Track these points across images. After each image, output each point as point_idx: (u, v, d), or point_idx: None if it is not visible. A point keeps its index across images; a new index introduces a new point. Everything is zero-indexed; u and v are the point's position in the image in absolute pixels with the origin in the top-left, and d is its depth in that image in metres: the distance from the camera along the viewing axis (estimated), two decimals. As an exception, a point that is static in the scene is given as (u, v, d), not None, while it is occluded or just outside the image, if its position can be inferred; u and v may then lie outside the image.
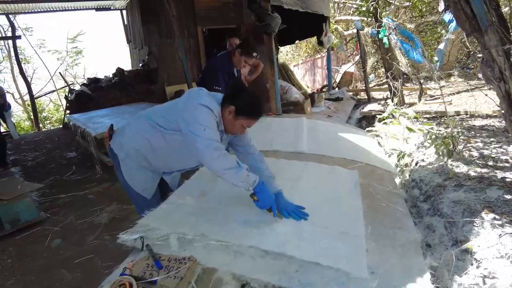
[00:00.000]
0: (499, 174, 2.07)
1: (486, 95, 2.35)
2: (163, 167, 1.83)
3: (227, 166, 1.51)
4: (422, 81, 6.06)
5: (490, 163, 2.32)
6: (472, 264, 1.49)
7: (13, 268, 2.54)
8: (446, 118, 3.91)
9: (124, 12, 9.47)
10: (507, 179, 1.99)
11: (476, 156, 2.50)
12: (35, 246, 2.81)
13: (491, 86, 1.64)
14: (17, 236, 2.95)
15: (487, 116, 3.96)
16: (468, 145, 2.77)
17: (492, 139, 2.87)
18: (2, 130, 6.61)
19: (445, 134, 2.71)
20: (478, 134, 3.11)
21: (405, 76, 6.52)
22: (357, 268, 1.29)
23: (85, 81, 8.58)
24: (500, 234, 1.48)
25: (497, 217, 1.60)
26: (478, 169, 2.21)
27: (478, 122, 3.71)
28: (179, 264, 1.26)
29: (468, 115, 4.19)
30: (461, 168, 2.28)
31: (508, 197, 1.77)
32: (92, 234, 2.92)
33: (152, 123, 1.69)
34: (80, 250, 2.69)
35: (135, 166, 1.77)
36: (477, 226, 1.60)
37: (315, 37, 7.43)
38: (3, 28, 13.60)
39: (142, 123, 1.73)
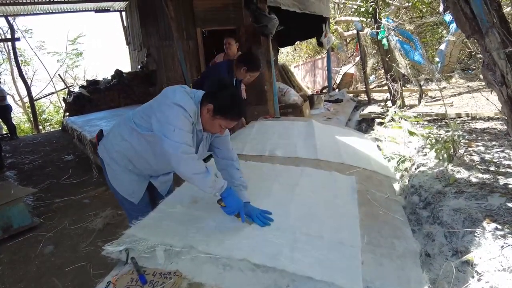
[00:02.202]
0: (501, 181, 2.01)
1: (487, 99, 2.29)
2: (147, 170, 1.77)
3: (195, 170, 1.46)
4: (422, 82, 5.99)
5: (492, 168, 2.25)
6: (473, 277, 1.42)
7: (3, 275, 2.49)
8: (447, 121, 3.84)
9: (124, 13, 9.44)
10: (510, 186, 1.92)
11: (477, 161, 2.43)
12: (27, 252, 2.76)
13: (492, 90, 1.57)
14: (9, 243, 2.90)
15: (489, 119, 3.88)
16: (469, 149, 2.70)
17: (494, 143, 2.80)
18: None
19: (445, 137, 2.64)
20: (479, 138, 3.04)
21: (405, 77, 6.46)
22: (352, 282, 1.23)
23: (84, 83, 8.55)
24: (502, 246, 1.41)
25: (499, 227, 1.54)
26: (480, 175, 2.15)
27: (479, 125, 3.64)
28: (164, 279, 1.20)
29: (470, 117, 4.12)
30: (462, 174, 2.22)
31: (510, 205, 1.71)
32: (86, 240, 2.86)
33: (132, 125, 1.63)
34: (73, 257, 2.63)
35: (120, 169, 1.73)
36: (478, 237, 1.54)
37: (315, 38, 7.37)
38: (2, 30, 13.61)
39: (123, 126, 1.69)
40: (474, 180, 2.09)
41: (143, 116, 1.60)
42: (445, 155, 2.46)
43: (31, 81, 15.20)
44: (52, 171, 4.95)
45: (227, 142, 1.78)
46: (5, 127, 8.15)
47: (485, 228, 1.56)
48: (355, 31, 9.04)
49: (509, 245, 1.40)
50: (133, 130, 1.63)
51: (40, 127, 11.34)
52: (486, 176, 2.12)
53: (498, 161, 2.37)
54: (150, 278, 1.22)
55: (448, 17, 6.90)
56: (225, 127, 1.60)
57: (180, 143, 1.42)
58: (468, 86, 5.50)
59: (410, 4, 8.74)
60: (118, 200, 1.87)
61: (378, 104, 6.75)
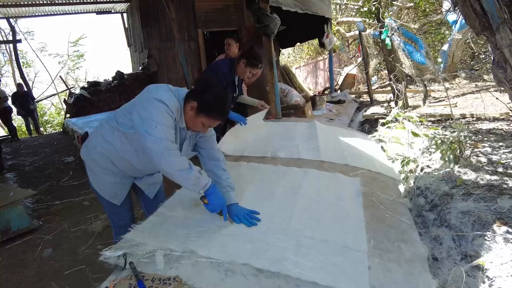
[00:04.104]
0: (510, 182, 1.95)
1: (497, 98, 2.24)
2: (130, 171, 1.72)
3: (177, 167, 1.43)
4: (426, 83, 5.94)
5: (500, 169, 2.20)
6: (484, 282, 1.37)
7: (1, 279, 2.45)
8: (451, 121, 3.78)
9: (125, 15, 9.44)
10: (519, 188, 1.87)
11: (484, 162, 2.38)
12: (26, 255, 2.72)
13: (502, 88, 1.52)
14: (7, 245, 2.86)
15: (494, 119, 3.83)
16: (476, 150, 2.65)
17: (500, 144, 2.75)
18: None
19: (451, 138, 2.59)
20: (485, 138, 2.99)
21: (408, 78, 6.41)
22: (359, 287, 1.18)
23: (85, 85, 8.55)
24: (515, 250, 1.36)
25: (510, 230, 1.49)
26: (487, 176, 2.09)
27: (485, 126, 3.58)
28: (163, 284, 1.16)
29: (474, 118, 4.07)
30: (469, 175, 2.17)
31: (521, 207, 1.66)
32: (85, 243, 2.82)
33: (114, 124, 1.59)
34: (72, 260, 2.59)
35: (102, 171, 1.68)
36: (489, 240, 1.48)
37: (317, 39, 7.33)
38: (4, 32, 13.64)
39: (105, 126, 1.65)
40: (482, 181, 2.04)
41: (125, 114, 1.56)
42: (451, 156, 2.40)
43: (33, 83, 15.26)
44: (52, 173, 4.92)
45: (213, 142, 1.75)
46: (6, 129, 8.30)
47: (496, 231, 1.51)
48: (357, 32, 8.99)
49: (521, 249, 1.35)
50: (115, 129, 1.58)
51: (42, 129, 11.33)
52: (494, 177, 2.06)
53: (506, 162, 2.31)
54: (149, 284, 1.17)
55: (451, 17, 6.85)
56: (208, 126, 1.56)
57: (161, 138, 1.39)
58: (476, 85, 5.44)
59: (413, 4, 8.69)
60: (100, 203, 1.83)
61: (381, 105, 6.71)
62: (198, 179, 1.47)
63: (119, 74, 7.61)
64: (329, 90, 8.57)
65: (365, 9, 6.29)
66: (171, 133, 1.45)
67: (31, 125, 9.01)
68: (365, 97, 8.04)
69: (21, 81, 10.12)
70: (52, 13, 8.84)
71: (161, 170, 1.49)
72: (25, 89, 8.73)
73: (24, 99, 8.32)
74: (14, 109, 8.29)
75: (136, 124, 1.44)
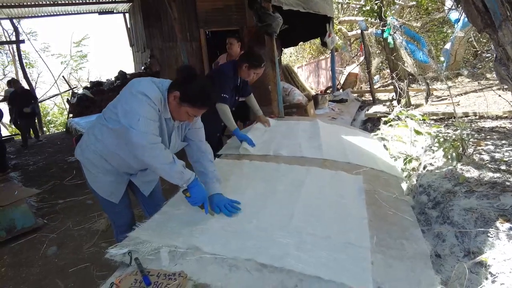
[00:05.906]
0: (513, 180, 1.95)
1: (500, 96, 2.23)
2: (124, 167, 1.72)
3: (161, 161, 1.46)
4: (428, 81, 5.93)
5: (503, 167, 2.19)
6: (487, 279, 1.38)
7: (6, 277, 2.47)
8: (454, 120, 3.78)
9: (127, 15, 9.46)
10: (522, 185, 1.87)
11: (487, 160, 2.38)
12: (30, 254, 2.74)
13: (505, 86, 1.52)
14: (12, 244, 2.89)
15: (497, 117, 3.82)
16: (478, 148, 2.64)
17: (503, 142, 2.74)
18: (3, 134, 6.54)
19: (453, 136, 2.59)
20: (488, 136, 2.98)
21: (410, 76, 6.39)
22: (362, 282, 1.20)
23: (88, 85, 8.59)
24: (518, 246, 1.36)
25: (513, 227, 1.49)
26: (490, 174, 2.09)
27: (488, 124, 3.58)
28: (168, 280, 1.17)
29: (477, 116, 4.06)
30: (472, 173, 2.16)
31: (524, 204, 1.66)
32: (89, 241, 2.84)
33: (102, 121, 1.61)
34: (76, 258, 2.61)
35: (98, 170, 1.70)
36: (492, 237, 1.49)
37: (319, 38, 7.32)
38: (7, 33, 13.70)
39: (96, 125, 1.67)
40: (484, 179, 2.04)
41: (112, 109, 1.57)
42: (454, 154, 2.40)
43: (36, 83, 15.33)
44: (56, 172, 4.96)
45: (201, 134, 1.78)
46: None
47: (499, 228, 1.51)
48: (359, 31, 8.99)
49: (524, 245, 1.35)
50: (104, 126, 1.60)
51: (44, 129, 11.39)
52: (497, 175, 2.06)
53: (508, 159, 2.31)
54: (154, 279, 1.19)
55: (453, 15, 6.83)
56: (193, 115, 1.57)
57: (145, 132, 1.41)
58: (478, 83, 5.42)
59: (415, 2, 8.67)
60: (99, 202, 1.84)
61: (383, 103, 6.69)
62: (181, 173, 1.49)
63: (121, 74, 7.64)
64: (331, 89, 8.56)
65: (367, 8, 6.28)
66: (154, 126, 1.47)
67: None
68: (368, 96, 8.02)
69: (21, 79, 9.86)
70: (55, 13, 8.88)
71: (145, 164, 1.52)
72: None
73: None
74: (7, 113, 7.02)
75: (121, 119, 1.46)
